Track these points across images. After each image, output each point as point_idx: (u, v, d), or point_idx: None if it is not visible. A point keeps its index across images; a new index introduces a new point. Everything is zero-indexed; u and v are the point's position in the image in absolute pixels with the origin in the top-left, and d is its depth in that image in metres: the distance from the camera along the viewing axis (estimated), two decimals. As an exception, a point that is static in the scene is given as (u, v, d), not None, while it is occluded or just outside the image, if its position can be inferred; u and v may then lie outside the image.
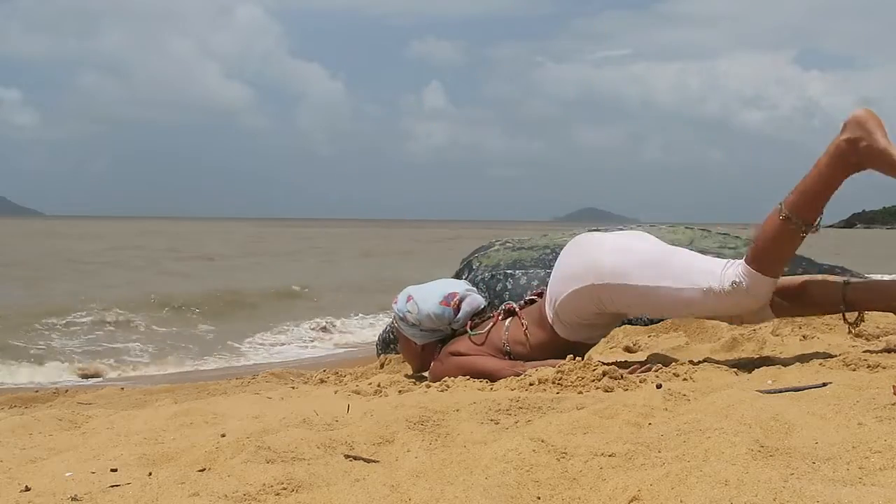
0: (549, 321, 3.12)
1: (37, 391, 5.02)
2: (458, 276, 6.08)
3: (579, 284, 3.01)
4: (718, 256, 5.84)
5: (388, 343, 6.04)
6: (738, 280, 2.79)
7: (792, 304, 2.89)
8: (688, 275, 2.88)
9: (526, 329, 3.17)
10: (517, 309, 3.28)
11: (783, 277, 2.89)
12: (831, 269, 6.12)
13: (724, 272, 2.84)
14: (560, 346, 3.12)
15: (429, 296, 3.45)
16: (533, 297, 3.32)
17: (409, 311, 3.45)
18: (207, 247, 31.24)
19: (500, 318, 3.30)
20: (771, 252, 2.76)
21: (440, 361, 3.34)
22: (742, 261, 2.83)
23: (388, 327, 6.11)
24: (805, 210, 2.70)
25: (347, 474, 1.67)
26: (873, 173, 2.63)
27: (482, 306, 3.47)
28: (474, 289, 3.54)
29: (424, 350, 3.47)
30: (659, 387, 2.51)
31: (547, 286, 3.32)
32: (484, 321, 3.37)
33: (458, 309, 3.41)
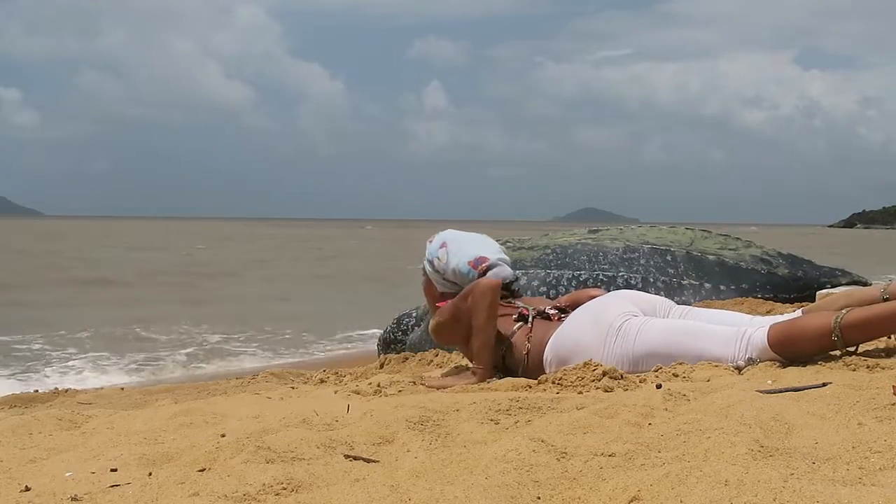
0: (545, 363, 3.11)
1: (36, 391, 5.01)
2: None
3: (583, 359, 2.96)
4: (718, 258, 5.86)
5: (389, 343, 6.06)
6: (753, 357, 2.78)
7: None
8: (701, 358, 2.84)
9: (527, 352, 3.15)
10: (530, 319, 3.25)
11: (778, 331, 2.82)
12: (832, 272, 6.12)
13: (738, 346, 2.81)
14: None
15: (461, 251, 3.44)
16: (549, 312, 3.28)
17: (438, 258, 3.47)
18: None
19: (512, 317, 3.28)
20: (799, 348, 2.74)
21: (453, 303, 3.30)
22: (764, 337, 2.78)
23: (389, 328, 6.13)
24: (856, 337, 2.69)
25: (347, 474, 1.67)
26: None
27: (509, 279, 3.45)
28: (507, 258, 3.52)
29: (443, 297, 3.48)
30: (659, 387, 2.51)
31: (563, 299, 3.33)
32: (499, 304, 3.33)
33: (483, 274, 3.39)
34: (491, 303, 3.15)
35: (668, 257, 5.81)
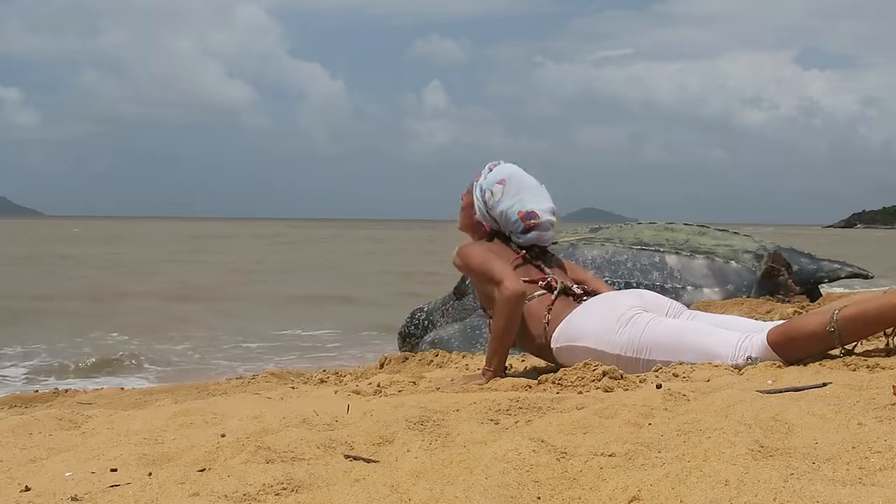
0: (552, 340, 3.13)
1: (36, 391, 5.02)
2: (463, 279, 6.15)
3: (589, 344, 3.00)
4: (712, 255, 5.86)
5: (406, 337, 6.27)
6: (753, 356, 2.80)
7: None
8: (701, 355, 2.87)
9: (547, 322, 3.14)
10: (555, 290, 3.21)
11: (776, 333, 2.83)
12: (831, 265, 6.12)
13: (739, 346, 2.83)
14: (551, 357, 3.19)
15: (517, 197, 3.34)
16: (575, 290, 3.24)
17: (492, 192, 3.37)
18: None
19: (539, 283, 3.23)
20: (800, 347, 2.74)
21: (482, 266, 3.23)
22: (763, 337, 2.80)
23: (406, 322, 6.32)
24: (853, 329, 2.69)
25: (347, 474, 1.67)
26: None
27: (548, 244, 3.41)
28: (554, 220, 3.40)
29: (478, 224, 3.43)
30: (659, 387, 2.51)
31: (587, 285, 3.32)
32: (531, 265, 3.30)
33: (528, 230, 3.34)
34: (512, 312, 3.09)
35: (657, 259, 5.83)
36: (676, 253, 5.88)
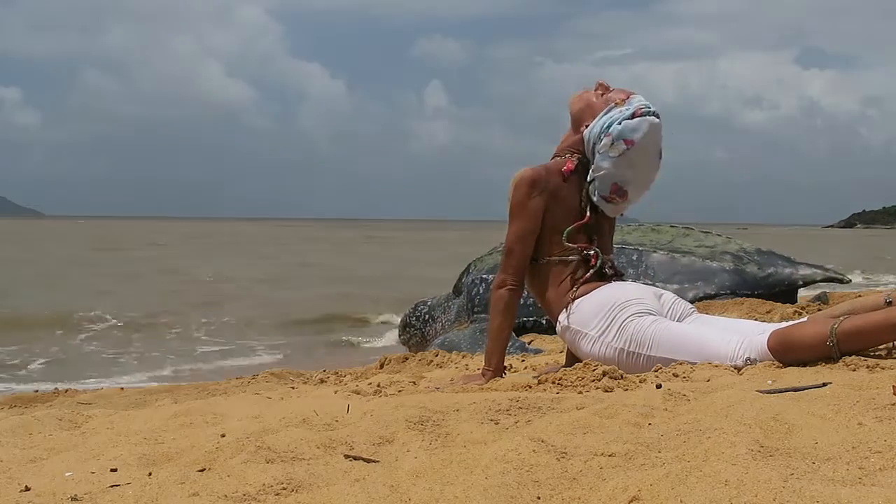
0: (557, 318, 3.12)
1: (36, 391, 5.02)
2: (460, 277, 6.29)
3: (592, 332, 3.01)
4: (691, 254, 5.95)
5: (406, 327, 6.54)
6: (753, 358, 2.81)
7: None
8: (701, 355, 2.89)
9: (573, 295, 3.09)
10: (592, 268, 3.12)
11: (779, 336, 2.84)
12: (807, 268, 6.20)
13: (739, 348, 2.85)
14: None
15: (629, 169, 3.08)
16: (607, 271, 3.16)
17: (612, 141, 3.06)
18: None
19: (579, 252, 3.13)
20: (798, 356, 2.76)
21: (534, 185, 3.10)
22: (764, 341, 2.81)
23: (409, 312, 6.54)
24: (851, 344, 2.70)
25: (347, 474, 1.67)
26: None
27: (617, 216, 3.25)
28: (626, 207, 3.22)
29: (573, 138, 3.20)
30: (659, 387, 2.51)
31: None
32: (584, 226, 3.14)
33: (608, 201, 3.13)
34: (508, 310, 3.10)
35: (634, 257, 5.93)
36: (655, 251, 6.01)
